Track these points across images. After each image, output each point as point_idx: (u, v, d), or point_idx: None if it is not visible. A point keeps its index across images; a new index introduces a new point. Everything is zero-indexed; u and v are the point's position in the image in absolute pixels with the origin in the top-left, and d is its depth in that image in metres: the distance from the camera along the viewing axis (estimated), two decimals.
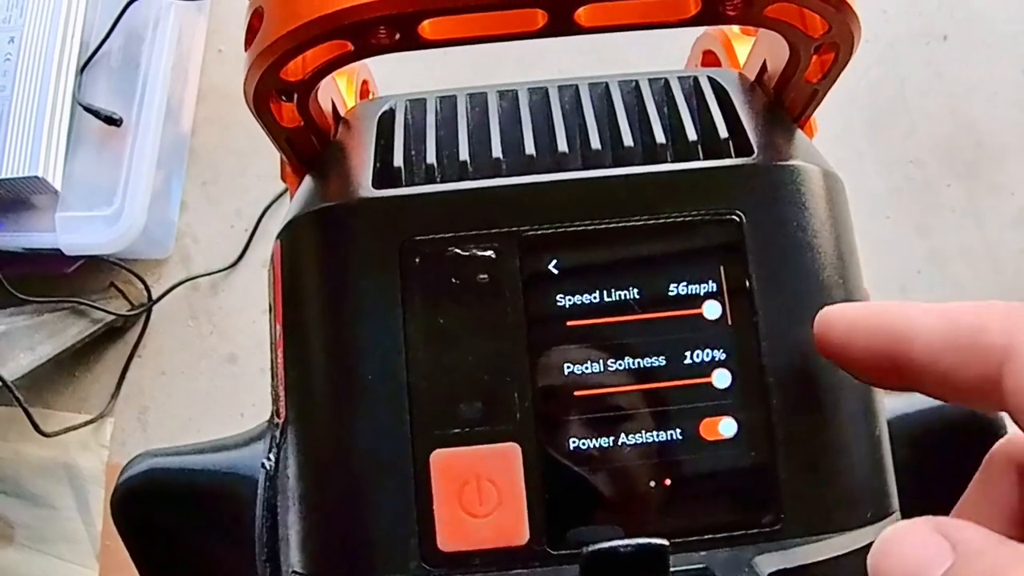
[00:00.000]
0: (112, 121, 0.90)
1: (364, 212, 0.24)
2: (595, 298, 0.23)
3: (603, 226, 0.23)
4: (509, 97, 0.27)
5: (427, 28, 0.22)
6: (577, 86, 0.27)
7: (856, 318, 0.20)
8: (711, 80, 0.27)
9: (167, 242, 1.05)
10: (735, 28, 0.33)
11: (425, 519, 0.22)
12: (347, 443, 0.23)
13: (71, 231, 0.90)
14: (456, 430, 0.22)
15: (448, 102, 0.27)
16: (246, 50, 0.23)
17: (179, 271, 1.05)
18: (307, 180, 0.27)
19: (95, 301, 0.97)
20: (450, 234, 0.23)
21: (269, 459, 0.26)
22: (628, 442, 0.22)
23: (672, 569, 0.20)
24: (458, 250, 0.23)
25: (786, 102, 0.27)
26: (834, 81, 0.26)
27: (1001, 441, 0.20)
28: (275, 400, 0.26)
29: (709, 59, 0.35)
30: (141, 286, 1.03)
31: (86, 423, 0.99)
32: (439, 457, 0.22)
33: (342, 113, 0.29)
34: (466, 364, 0.23)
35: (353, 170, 0.26)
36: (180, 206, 1.06)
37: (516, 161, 0.25)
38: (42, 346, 0.90)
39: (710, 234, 0.23)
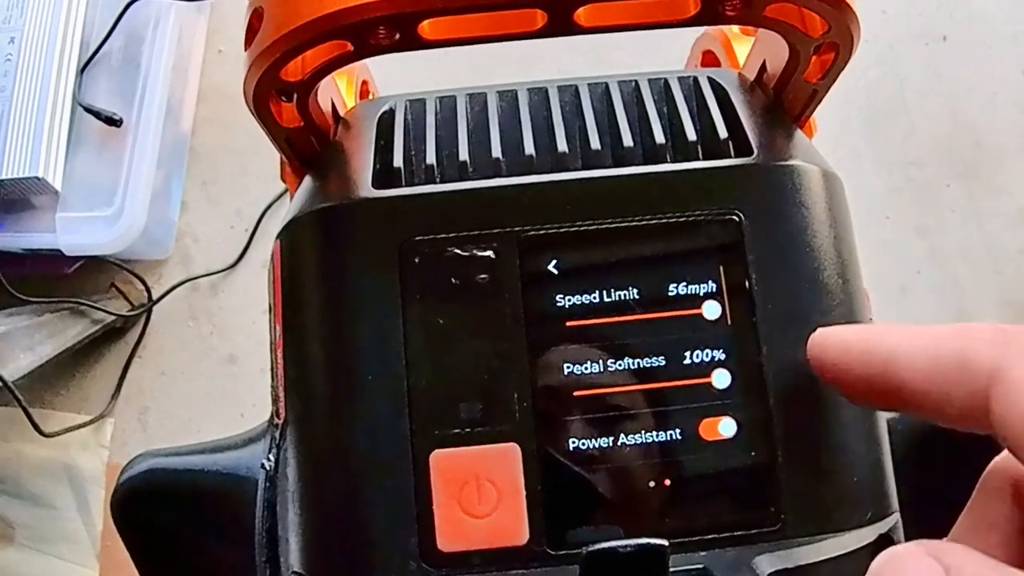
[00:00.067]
0: (112, 121, 0.90)
1: (364, 212, 0.24)
2: (595, 298, 0.23)
3: (603, 226, 0.23)
4: (509, 97, 0.27)
5: (427, 28, 0.22)
6: (577, 86, 0.27)
7: (849, 343, 0.20)
8: (711, 80, 0.27)
9: (167, 242, 1.05)
10: (734, 28, 0.33)
11: (425, 519, 0.22)
12: (347, 443, 0.23)
13: (71, 231, 0.90)
14: (456, 430, 0.22)
15: (448, 102, 0.27)
16: (246, 50, 0.23)
17: (179, 271, 1.05)
18: (307, 180, 0.27)
19: (95, 301, 0.97)
20: (450, 234, 0.23)
21: (269, 459, 0.26)
22: (628, 442, 0.22)
23: (672, 569, 0.20)
24: (458, 250, 0.23)
25: (786, 102, 0.27)
26: (834, 81, 0.26)
27: (993, 464, 0.20)
28: (275, 400, 0.26)
29: (709, 59, 0.35)
30: (141, 286, 1.03)
31: (86, 423, 0.99)
32: (439, 457, 0.22)
33: (342, 113, 0.29)
34: (466, 364, 0.23)
35: (353, 170, 0.26)
36: (180, 206, 1.06)
37: (516, 161, 0.25)
38: (42, 346, 0.90)
39: (710, 234, 0.23)
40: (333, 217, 0.24)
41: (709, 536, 0.22)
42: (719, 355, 0.23)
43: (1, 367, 0.82)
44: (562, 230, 0.23)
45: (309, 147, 0.28)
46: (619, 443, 0.22)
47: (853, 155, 1.04)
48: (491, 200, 0.24)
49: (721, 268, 0.23)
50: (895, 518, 0.24)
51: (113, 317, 0.99)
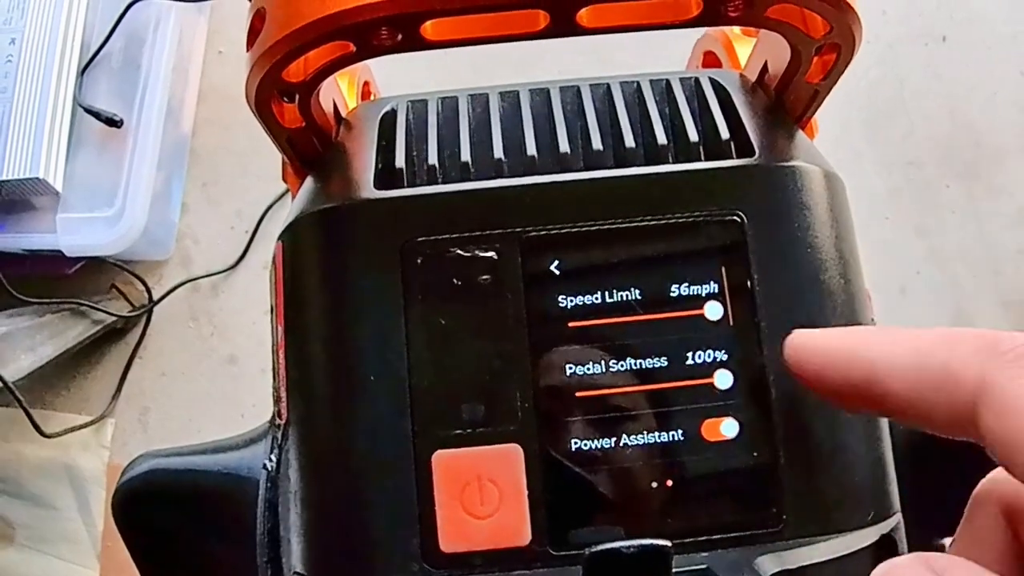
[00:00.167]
0: (113, 122, 0.90)
1: (366, 213, 0.24)
2: (597, 299, 0.23)
3: (605, 227, 0.23)
4: (510, 98, 0.27)
5: (429, 29, 0.22)
6: (578, 87, 0.27)
7: (829, 349, 0.20)
8: (712, 81, 0.27)
9: (168, 243, 1.05)
10: (736, 29, 0.33)
11: (427, 520, 0.22)
12: (349, 444, 0.23)
13: (72, 232, 0.90)
14: (458, 431, 0.22)
15: (449, 103, 0.27)
16: (248, 51, 0.23)
17: (180, 272, 1.05)
18: (308, 181, 0.27)
19: (96, 302, 0.97)
20: (452, 235, 0.23)
21: (271, 460, 0.26)
22: (630, 443, 0.22)
23: (674, 570, 0.20)
24: (460, 251, 0.23)
25: (787, 103, 0.27)
26: (835, 82, 0.26)
27: (984, 482, 0.20)
28: (276, 401, 0.26)
29: (710, 60, 0.35)
30: (142, 287, 1.03)
31: (87, 424, 0.99)
32: (441, 458, 0.22)
33: (344, 114, 0.29)
34: (468, 365, 0.23)
35: (355, 171, 0.26)
36: (181, 207, 1.06)
37: (517, 162, 0.25)
38: (43, 347, 0.90)
39: (712, 235, 0.23)
40: (335, 218, 0.24)
41: (711, 537, 0.22)
42: (721, 356, 0.23)
43: (2, 368, 0.82)
44: (564, 231, 0.23)
45: (311, 148, 0.28)
46: (621, 444, 0.22)
47: (853, 155, 1.04)
48: (493, 201, 0.24)
49: (723, 269, 0.23)
50: (897, 518, 0.24)
51: (114, 318, 0.99)
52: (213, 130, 1.07)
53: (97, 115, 0.90)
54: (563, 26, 0.23)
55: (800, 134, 0.27)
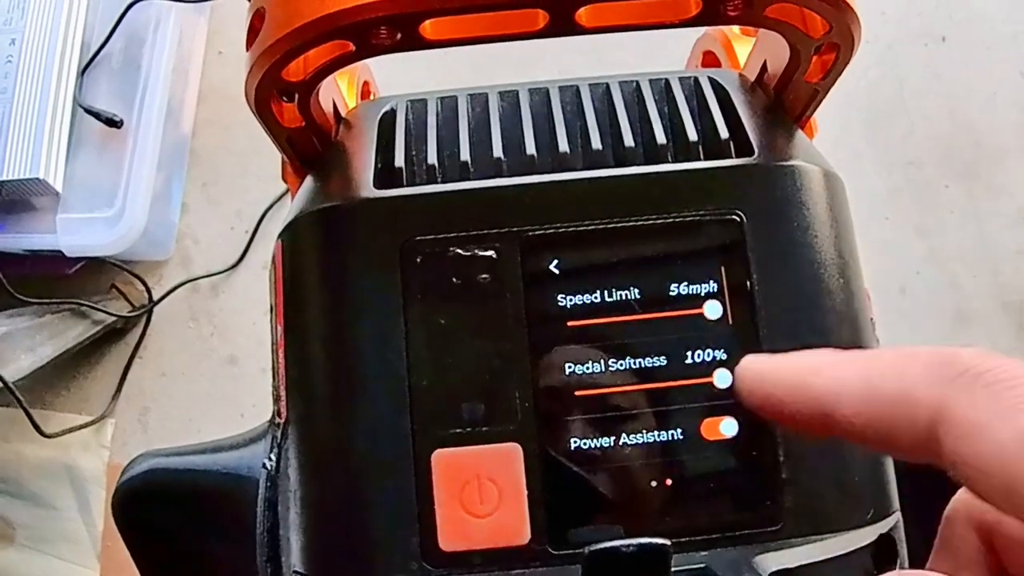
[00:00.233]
0: (113, 123, 0.90)
1: (365, 212, 0.24)
2: (596, 298, 0.23)
3: (604, 226, 0.23)
4: (510, 97, 0.27)
5: (428, 28, 0.22)
6: (578, 86, 0.27)
7: (776, 378, 0.19)
8: (712, 81, 0.27)
9: (168, 243, 1.05)
10: (735, 29, 0.33)
11: (426, 519, 0.22)
12: (348, 443, 0.23)
13: (72, 232, 0.90)
14: (457, 430, 0.22)
15: (449, 103, 0.27)
16: (247, 51, 0.23)
17: (180, 272, 1.05)
18: (308, 180, 0.27)
19: (96, 302, 0.97)
20: (451, 234, 0.23)
21: (270, 459, 0.26)
22: (629, 442, 0.22)
23: (673, 569, 0.20)
24: (459, 250, 0.23)
25: (786, 103, 0.27)
26: (834, 82, 0.26)
27: (954, 500, 0.20)
28: (276, 400, 0.26)
29: (709, 60, 0.35)
30: (142, 287, 1.03)
31: (87, 424, 0.99)
32: (440, 457, 0.22)
33: (343, 113, 0.29)
34: (467, 364, 0.23)
35: (354, 170, 0.26)
36: (181, 207, 1.06)
37: (517, 161, 0.25)
38: (43, 347, 0.89)
39: (711, 234, 0.23)
40: (335, 217, 0.24)
41: (710, 535, 0.22)
42: (720, 355, 0.23)
43: (2, 368, 0.82)
44: (563, 230, 0.23)
45: (310, 147, 0.28)
46: (621, 443, 0.22)
47: (853, 155, 1.04)
48: (492, 200, 0.24)
49: (722, 268, 0.23)
50: (896, 518, 0.24)
51: (114, 318, 0.99)
52: (213, 130, 1.07)
53: (97, 115, 0.90)
54: (562, 25, 0.23)
55: (799, 134, 0.27)
